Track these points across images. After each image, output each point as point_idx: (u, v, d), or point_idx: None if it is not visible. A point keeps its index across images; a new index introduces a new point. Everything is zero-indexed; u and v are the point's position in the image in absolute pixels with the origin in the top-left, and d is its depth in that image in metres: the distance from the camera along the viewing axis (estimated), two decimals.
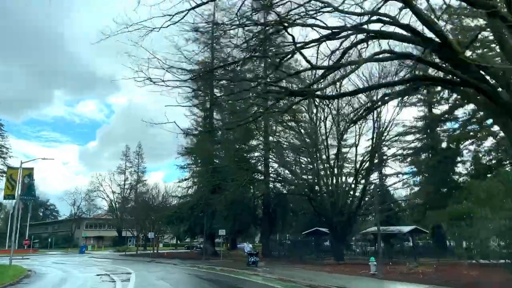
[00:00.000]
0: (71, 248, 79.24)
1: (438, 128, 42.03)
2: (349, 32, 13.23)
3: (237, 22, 12.81)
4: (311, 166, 35.87)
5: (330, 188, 33.82)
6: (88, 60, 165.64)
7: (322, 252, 35.87)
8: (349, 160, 38.07)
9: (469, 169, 39.31)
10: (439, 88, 34.11)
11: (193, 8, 12.25)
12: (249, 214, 42.46)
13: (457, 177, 39.72)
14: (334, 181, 33.89)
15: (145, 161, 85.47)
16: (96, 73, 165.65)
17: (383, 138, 34.29)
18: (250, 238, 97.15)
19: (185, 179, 67.84)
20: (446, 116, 39.98)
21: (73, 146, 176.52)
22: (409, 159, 42.53)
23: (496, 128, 31.37)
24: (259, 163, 43.04)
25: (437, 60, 14.67)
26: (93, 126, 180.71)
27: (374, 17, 12.92)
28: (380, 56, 13.94)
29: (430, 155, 41.37)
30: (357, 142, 34.38)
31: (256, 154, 43.78)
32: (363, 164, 33.89)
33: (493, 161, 36.13)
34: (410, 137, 42.58)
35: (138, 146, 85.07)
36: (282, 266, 29.43)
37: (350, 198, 34.19)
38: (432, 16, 13.10)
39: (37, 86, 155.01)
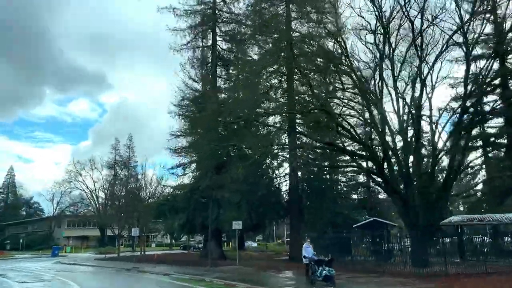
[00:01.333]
0: (48, 249, 66.14)
1: None
2: None
3: None
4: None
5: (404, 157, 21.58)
6: (77, 57, 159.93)
7: (388, 253, 23.51)
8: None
9: None
10: None
11: None
12: (270, 201, 30.05)
13: None
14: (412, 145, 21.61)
15: (136, 156, 72.82)
16: (86, 70, 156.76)
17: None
18: (257, 235, 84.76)
19: (180, 165, 55.86)
20: None
21: (65, 146, 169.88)
22: None
23: None
24: (282, 132, 30.65)
25: None
26: (86, 125, 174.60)
27: None
28: None
29: None
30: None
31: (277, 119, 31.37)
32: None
33: None
34: None
35: (128, 139, 71.90)
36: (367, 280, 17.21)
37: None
38: None
39: (27, 84, 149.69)
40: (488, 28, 26.63)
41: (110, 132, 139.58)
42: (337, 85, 24.61)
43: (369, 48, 23.39)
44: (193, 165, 35.95)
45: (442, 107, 24.31)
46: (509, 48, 24.41)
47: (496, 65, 24.41)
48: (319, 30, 24.41)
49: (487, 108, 27.22)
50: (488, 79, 22.47)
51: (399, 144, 23.50)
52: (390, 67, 22.73)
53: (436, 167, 23.19)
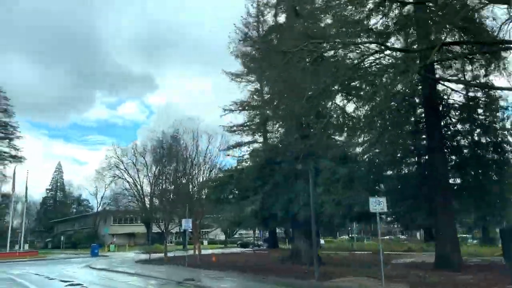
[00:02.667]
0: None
1: None
2: None
3: None
4: None
5: None
6: (124, 60, 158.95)
7: None
8: None
9: None
10: None
11: None
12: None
13: None
14: None
15: (183, 150, 62.93)
16: (134, 72, 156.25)
17: None
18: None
19: (237, 145, 45.55)
20: None
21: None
22: None
23: None
24: None
25: None
26: (135, 127, 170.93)
27: None
28: None
29: None
30: None
31: None
32: None
33: None
34: None
35: (175, 132, 62.08)
36: None
37: None
38: None
39: (79, 89, 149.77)
40: None
41: (157, 132, 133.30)
42: None
43: None
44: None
45: None
46: None
47: None
48: None
49: None
50: None
51: None
52: None
53: None
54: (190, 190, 26.06)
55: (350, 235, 75.01)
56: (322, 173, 18.92)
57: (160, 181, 34.94)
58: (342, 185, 18.12)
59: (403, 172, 19.37)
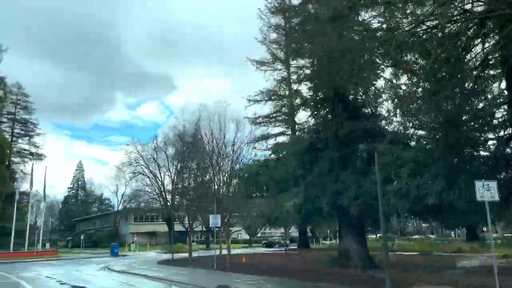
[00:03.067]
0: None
1: None
2: None
3: None
4: None
5: None
6: (144, 61, 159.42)
7: None
8: None
9: None
10: None
11: None
12: None
13: None
14: None
15: (204, 147, 59.99)
16: (153, 73, 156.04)
17: None
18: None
19: (263, 137, 42.50)
20: None
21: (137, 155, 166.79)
22: None
23: None
24: None
25: None
26: (156, 127, 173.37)
27: None
28: None
29: None
30: None
31: None
32: None
33: None
34: None
35: (195, 129, 59.25)
36: None
37: None
38: None
39: (100, 90, 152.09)
40: None
41: (176, 131, 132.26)
42: None
43: None
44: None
45: None
46: None
47: None
48: None
49: None
50: None
51: None
52: None
53: None
54: (217, 183, 22.95)
55: (379, 235, 70.83)
56: (381, 158, 15.51)
57: (183, 175, 31.97)
58: (407, 171, 14.68)
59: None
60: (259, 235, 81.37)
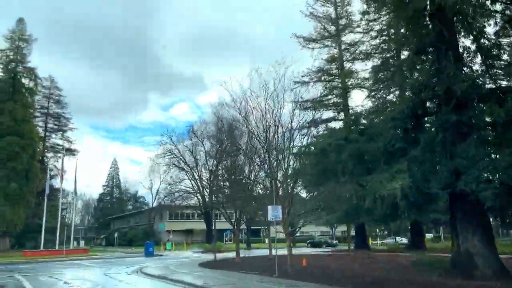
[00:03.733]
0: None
1: None
2: None
3: None
4: None
5: None
6: (175, 61, 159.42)
7: None
8: None
9: None
10: None
11: None
12: None
13: None
14: None
15: (239, 144, 55.34)
16: (184, 73, 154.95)
17: None
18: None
19: (312, 122, 37.28)
20: None
21: (171, 147, 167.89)
22: None
23: None
24: None
25: None
26: (188, 127, 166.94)
27: None
28: None
29: None
30: None
31: None
32: None
33: None
34: None
35: (228, 126, 54.55)
36: None
37: None
38: None
39: (134, 92, 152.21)
40: None
41: (208, 130, 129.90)
42: None
43: None
44: None
45: None
46: None
47: None
48: None
49: None
50: None
51: None
52: None
53: None
54: (273, 164, 18.05)
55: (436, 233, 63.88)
56: None
57: (225, 161, 27.31)
58: None
59: None
60: (297, 234, 76.31)
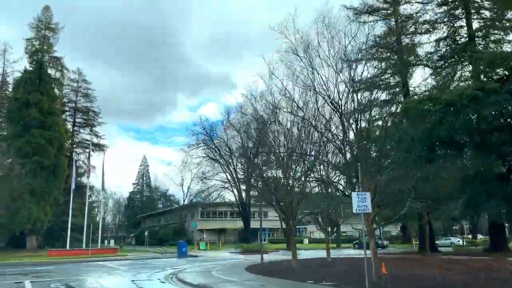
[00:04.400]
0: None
1: None
2: None
3: None
4: None
5: None
6: (202, 61, 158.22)
7: None
8: None
9: None
10: None
11: None
12: None
13: None
14: None
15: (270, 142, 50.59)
16: (212, 73, 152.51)
17: None
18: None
19: None
20: None
21: (192, 160, 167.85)
22: None
23: None
24: None
25: None
26: (216, 127, 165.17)
27: None
28: None
29: None
30: None
31: None
32: None
33: None
34: None
35: (259, 123, 49.63)
36: None
37: None
38: None
39: (163, 92, 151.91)
40: None
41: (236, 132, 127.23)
42: None
43: None
44: None
45: None
46: None
47: None
48: None
49: None
50: None
51: None
52: None
53: None
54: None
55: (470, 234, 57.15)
56: None
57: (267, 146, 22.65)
58: None
59: None
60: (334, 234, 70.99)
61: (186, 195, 65.21)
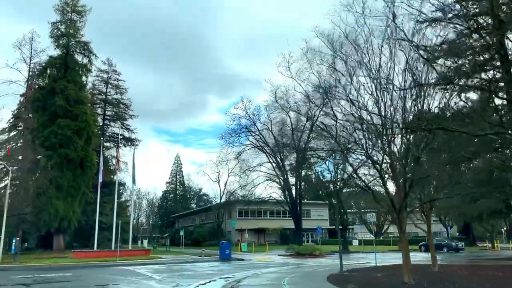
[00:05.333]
0: (217, 245, 42.80)
1: None
2: None
3: None
4: None
5: None
6: (233, 63, 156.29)
7: None
8: None
9: None
10: None
11: None
12: None
13: None
14: None
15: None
16: (242, 75, 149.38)
17: None
18: None
19: None
20: None
21: (232, 149, 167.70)
22: None
23: None
24: None
25: None
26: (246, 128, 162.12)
27: None
28: None
29: None
30: None
31: None
32: None
33: None
34: None
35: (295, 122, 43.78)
36: None
37: None
38: None
39: (194, 94, 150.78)
40: None
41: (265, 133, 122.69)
42: None
43: None
44: None
45: None
46: None
47: None
48: None
49: None
50: None
51: None
52: None
53: None
54: None
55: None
56: None
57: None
58: None
59: None
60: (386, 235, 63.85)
61: (223, 192, 59.83)
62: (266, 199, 40.89)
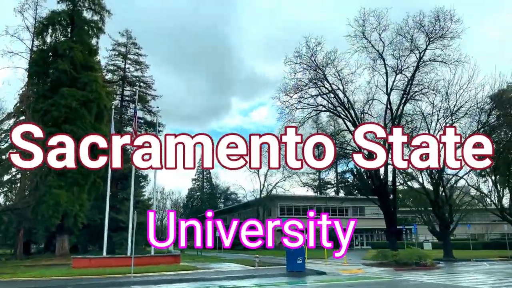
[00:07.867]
0: (280, 251, 32.37)
1: None
2: None
3: None
4: None
5: None
6: (255, 65, 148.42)
7: None
8: None
9: None
10: None
11: None
12: None
13: None
14: None
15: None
16: (263, 76, 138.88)
17: None
18: None
19: None
20: None
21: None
22: None
23: None
24: None
25: None
26: (268, 131, 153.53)
27: None
28: None
29: None
30: None
31: None
32: None
33: None
34: None
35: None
36: None
37: None
38: None
39: (217, 96, 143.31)
40: None
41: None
42: None
43: None
44: None
45: None
46: None
47: None
48: None
49: None
50: None
51: None
52: None
53: None
54: None
55: None
56: None
57: None
58: None
59: None
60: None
61: (263, 186, 49.49)
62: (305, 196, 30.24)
